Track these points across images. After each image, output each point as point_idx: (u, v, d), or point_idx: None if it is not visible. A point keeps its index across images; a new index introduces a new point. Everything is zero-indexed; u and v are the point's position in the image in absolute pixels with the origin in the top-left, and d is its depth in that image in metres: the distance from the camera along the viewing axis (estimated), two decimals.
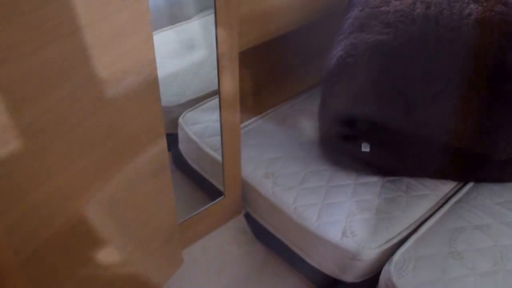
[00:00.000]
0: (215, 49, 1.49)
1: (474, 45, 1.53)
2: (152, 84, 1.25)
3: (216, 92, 1.60)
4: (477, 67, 1.52)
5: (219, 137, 1.72)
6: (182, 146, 2.10)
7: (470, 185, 1.78)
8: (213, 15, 1.41)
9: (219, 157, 1.84)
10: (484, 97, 1.53)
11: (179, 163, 2.13)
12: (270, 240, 1.84)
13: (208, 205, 1.84)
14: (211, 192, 1.96)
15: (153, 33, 1.19)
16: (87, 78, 1.05)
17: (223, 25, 1.43)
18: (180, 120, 2.07)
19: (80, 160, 1.12)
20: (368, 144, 1.68)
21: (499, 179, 1.77)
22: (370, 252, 1.54)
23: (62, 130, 1.04)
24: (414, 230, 1.62)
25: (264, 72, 2.16)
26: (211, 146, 1.93)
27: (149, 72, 1.22)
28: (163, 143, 1.38)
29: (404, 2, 1.62)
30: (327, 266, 1.66)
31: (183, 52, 2.49)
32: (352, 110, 1.66)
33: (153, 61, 1.21)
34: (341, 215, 1.64)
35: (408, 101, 1.55)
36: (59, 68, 0.97)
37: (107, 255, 1.33)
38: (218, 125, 1.69)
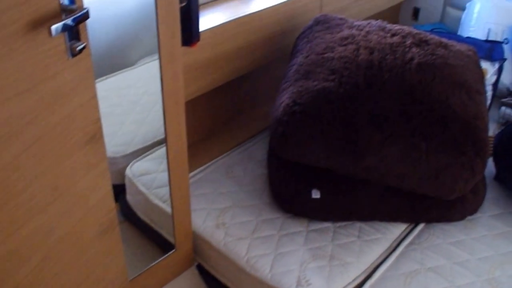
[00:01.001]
0: (161, 96, 1.46)
1: (418, 89, 1.56)
2: (97, 143, 1.21)
3: (164, 141, 1.56)
4: (422, 111, 1.55)
5: (168, 188, 1.68)
6: (130, 198, 2.03)
7: (421, 226, 1.79)
8: (157, 61, 1.39)
9: (168, 209, 1.78)
10: (430, 140, 1.55)
11: (128, 214, 2.06)
12: None
13: (159, 259, 1.78)
14: (162, 244, 1.90)
15: (96, 81, 1.16)
16: (32, 141, 1.01)
17: (168, 74, 1.41)
18: (128, 171, 2.01)
19: (27, 224, 1.07)
20: (319, 191, 1.67)
21: (449, 218, 1.79)
22: None
23: (5, 198, 0.99)
24: (369, 276, 1.60)
25: (212, 119, 2.15)
26: (160, 197, 1.88)
27: (95, 131, 1.18)
28: (111, 202, 1.33)
29: (348, 48, 1.65)
30: None
31: (128, 100, 2.44)
32: (301, 158, 1.65)
33: (98, 120, 1.18)
34: (295, 264, 1.61)
35: (356, 147, 1.55)
36: (2, 133, 0.93)
37: None
38: (166, 175, 1.64)
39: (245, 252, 1.66)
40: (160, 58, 1.36)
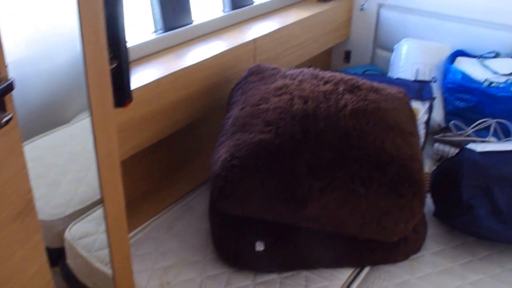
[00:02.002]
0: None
1: (353, 135, 1.58)
2: (29, 215, 1.15)
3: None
4: (359, 157, 1.57)
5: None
6: (70, 261, 1.95)
7: (366, 269, 1.79)
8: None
9: (110, 272, 1.72)
10: (369, 185, 1.57)
11: (69, 278, 1.97)
12: None
13: None
14: None
15: (27, 142, 1.11)
16: None
17: (101, 137, 1.38)
18: (66, 233, 1.93)
19: None
20: (262, 242, 1.65)
21: (394, 260, 1.80)
22: None
23: None
24: None
25: (152, 174, 2.11)
26: (102, 260, 1.81)
27: (25, 203, 1.13)
28: (46, 274, 1.27)
29: (282, 99, 1.66)
30: None
31: (65, 158, 2.38)
32: (242, 211, 1.63)
33: (29, 190, 1.13)
34: None
35: (297, 197, 1.55)
36: None
37: None
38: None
39: None
40: (92, 121, 1.33)
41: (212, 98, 2.14)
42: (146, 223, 1.97)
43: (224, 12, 2.52)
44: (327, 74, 1.84)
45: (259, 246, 1.66)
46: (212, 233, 1.82)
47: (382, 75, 3.00)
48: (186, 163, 2.25)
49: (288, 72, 1.89)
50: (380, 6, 3.18)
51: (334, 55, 3.44)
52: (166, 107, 1.90)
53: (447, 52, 2.85)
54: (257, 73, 1.90)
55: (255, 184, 1.55)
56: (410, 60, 2.80)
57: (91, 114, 1.32)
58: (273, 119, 1.60)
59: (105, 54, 1.27)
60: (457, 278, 1.78)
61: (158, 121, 1.89)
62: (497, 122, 2.51)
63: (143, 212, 2.01)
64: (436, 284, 1.74)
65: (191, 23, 2.29)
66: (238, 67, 2.21)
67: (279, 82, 1.77)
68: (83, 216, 2.02)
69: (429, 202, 2.04)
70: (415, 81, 2.52)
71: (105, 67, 1.29)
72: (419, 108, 2.26)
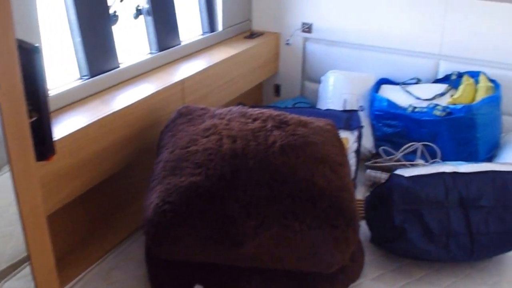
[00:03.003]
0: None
1: (283, 171, 1.60)
2: None
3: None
4: (290, 192, 1.59)
5: None
6: None
7: None
8: None
9: None
10: (302, 220, 1.58)
11: None
12: None
13: None
14: None
15: None
16: None
17: (24, 193, 1.33)
18: None
19: None
20: (202, 286, 1.63)
21: None
22: None
23: None
24: None
25: (84, 223, 2.05)
26: None
27: None
28: None
29: (211, 139, 1.67)
30: None
31: None
32: (178, 255, 1.61)
33: None
34: None
35: (231, 238, 1.54)
36: None
37: None
38: None
39: None
40: (12, 177, 1.29)
41: (143, 142, 2.12)
42: (82, 274, 1.90)
43: (151, 53, 2.52)
44: (256, 111, 1.86)
45: None
46: (150, 280, 1.78)
47: (311, 107, 3.06)
48: (120, 208, 2.20)
49: (217, 112, 1.90)
50: (305, 40, 3.27)
51: (265, 90, 3.49)
52: (95, 155, 1.87)
53: (372, 81, 2.95)
54: (186, 115, 1.90)
55: (189, 228, 1.54)
56: (337, 91, 2.88)
57: (11, 169, 1.28)
58: (202, 160, 1.60)
59: (23, 106, 1.24)
60: None
61: (87, 170, 1.85)
62: (423, 145, 2.61)
63: (78, 262, 1.94)
64: None
65: (117, 66, 2.27)
66: (167, 109, 2.20)
67: (208, 123, 1.78)
68: (14, 272, 1.94)
69: (365, 228, 2.08)
70: (344, 111, 2.58)
71: (24, 120, 1.25)
72: (349, 137, 2.32)
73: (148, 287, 1.82)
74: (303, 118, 1.86)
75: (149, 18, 2.50)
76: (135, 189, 2.18)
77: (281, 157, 1.62)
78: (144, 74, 2.38)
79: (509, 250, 1.97)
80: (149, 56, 2.48)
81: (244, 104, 2.12)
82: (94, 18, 2.13)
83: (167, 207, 1.53)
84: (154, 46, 2.53)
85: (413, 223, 1.83)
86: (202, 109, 1.95)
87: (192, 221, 1.54)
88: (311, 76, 3.32)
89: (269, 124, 1.75)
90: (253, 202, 1.55)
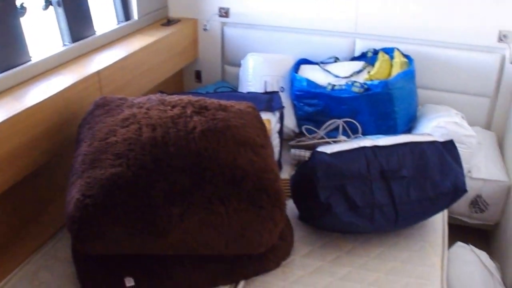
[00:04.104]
0: None
1: (205, 157, 1.59)
2: None
3: None
4: (213, 177, 1.58)
5: None
6: None
7: (241, 283, 1.80)
8: None
9: None
10: (228, 203, 1.58)
11: None
12: None
13: None
14: None
15: None
16: None
17: None
18: None
19: None
20: (131, 278, 1.61)
21: (266, 269, 1.83)
22: None
23: None
24: None
25: (6, 226, 1.97)
26: None
27: None
28: None
29: (130, 129, 1.64)
30: None
31: None
32: (104, 250, 1.57)
33: None
34: None
35: (157, 227, 1.53)
36: None
37: None
38: None
39: None
40: None
41: (62, 136, 2.05)
42: (8, 278, 1.83)
43: (65, 45, 2.43)
44: (175, 98, 1.84)
45: (129, 282, 1.61)
46: (78, 277, 1.74)
47: (233, 91, 3.06)
48: (43, 208, 2.13)
49: (136, 101, 1.86)
50: (223, 24, 3.26)
51: (186, 76, 3.46)
52: (9, 154, 1.79)
53: (291, 62, 2.98)
54: (103, 106, 1.85)
55: (112, 221, 1.51)
56: (257, 74, 2.89)
57: None
58: (122, 151, 1.56)
59: None
60: (328, 275, 1.86)
61: (2, 169, 1.77)
62: (344, 122, 2.67)
63: (3, 265, 1.87)
64: (309, 285, 1.81)
65: (28, 60, 2.18)
66: (84, 101, 2.14)
67: (126, 113, 1.74)
68: None
69: (293, 207, 2.11)
70: (264, 93, 2.60)
71: None
72: (271, 118, 2.34)
73: (78, 285, 1.77)
74: (223, 102, 1.86)
75: (60, 9, 2.40)
76: (59, 186, 2.11)
77: (202, 142, 1.62)
78: (58, 67, 2.30)
79: (430, 216, 2.07)
80: (63, 48, 2.40)
81: (163, 92, 2.09)
82: (0, 10, 2.03)
83: (89, 201, 1.49)
84: (67, 38, 2.45)
85: (338, 198, 1.87)
86: (120, 99, 1.90)
87: (116, 214, 1.51)
88: (231, 60, 3.33)
89: (189, 110, 1.74)
90: (177, 189, 1.54)
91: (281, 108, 2.43)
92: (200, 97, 1.87)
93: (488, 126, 3.08)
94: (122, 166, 1.53)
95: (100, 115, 1.79)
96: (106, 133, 1.64)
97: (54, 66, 2.29)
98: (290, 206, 2.09)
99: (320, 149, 1.98)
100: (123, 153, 1.56)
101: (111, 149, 1.58)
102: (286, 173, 2.44)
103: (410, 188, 1.94)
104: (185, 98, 1.83)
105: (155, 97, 1.86)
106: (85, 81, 2.19)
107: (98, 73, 2.27)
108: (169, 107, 1.75)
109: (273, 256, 1.83)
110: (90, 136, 1.68)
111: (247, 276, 1.81)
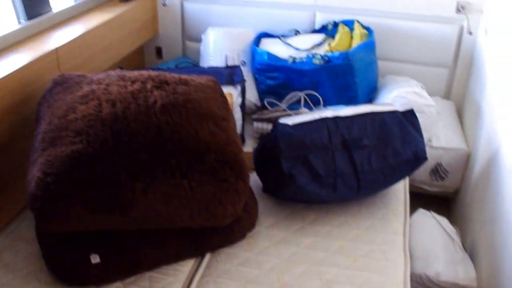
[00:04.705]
0: None
1: (166, 131, 1.59)
2: None
3: None
4: (176, 151, 1.58)
5: None
6: None
7: (208, 256, 1.82)
8: None
9: None
10: (191, 177, 1.59)
11: None
12: None
13: None
14: None
15: None
16: None
17: None
18: None
19: None
20: (97, 255, 1.60)
21: (231, 241, 1.86)
22: None
23: None
24: None
25: None
26: None
27: None
28: None
29: (89, 106, 1.62)
30: None
31: None
32: (68, 227, 1.57)
33: None
34: None
35: (120, 203, 1.52)
36: None
37: None
38: None
39: None
40: None
41: (21, 116, 2.02)
42: None
43: (20, 23, 2.37)
44: (134, 73, 1.82)
45: (95, 259, 1.61)
46: (43, 256, 1.72)
47: (194, 66, 3.05)
48: (4, 188, 2.09)
49: (95, 78, 1.84)
50: None
51: (146, 53, 3.43)
52: None
53: (252, 35, 2.98)
54: (62, 83, 1.82)
55: (75, 198, 1.50)
56: (218, 48, 2.88)
57: None
58: (82, 128, 1.55)
59: None
60: (293, 245, 1.89)
61: None
62: (306, 94, 2.69)
63: None
64: (275, 255, 1.84)
65: None
66: (42, 80, 2.10)
67: (85, 89, 1.72)
68: None
69: (257, 179, 2.13)
70: (226, 67, 2.60)
71: None
72: (232, 92, 2.34)
73: (43, 265, 1.76)
74: (183, 76, 1.85)
75: None
76: (21, 166, 2.08)
77: (163, 116, 1.61)
78: (14, 46, 2.25)
79: (392, 184, 2.11)
80: (18, 26, 2.34)
81: (123, 68, 2.07)
82: None
83: (50, 179, 1.47)
84: (22, 15, 2.38)
85: (301, 168, 1.89)
86: (79, 76, 1.87)
87: (78, 191, 1.50)
88: (191, 35, 3.30)
89: (149, 85, 1.72)
90: (139, 164, 1.54)
91: (242, 81, 2.43)
92: (160, 72, 1.86)
93: (447, 96, 3.15)
94: (82, 143, 1.52)
95: (58, 93, 1.76)
96: (66, 110, 1.62)
97: (10, 45, 2.24)
98: (254, 179, 2.11)
99: (282, 121, 2.00)
100: (83, 130, 1.54)
101: (71, 126, 1.56)
102: (249, 147, 2.46)
103: (372, 157, 1.98)
104: (145, 73, 1.81)
105: (114, 73, 1.84)
106: (43, 59, 2.15)
107: (56, 50, 2.23)
108: (129, 83, 1.73)
109: (238, 228, 1.85)
110: (50, 114, 1.65)
111: (213, 249, 1.83)
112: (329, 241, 1.91)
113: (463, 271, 2.14)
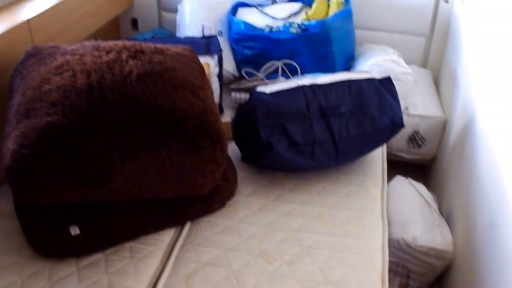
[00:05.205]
0: None
1: (143, 100, 1.58)
2: None
3: None
4: (153, 120, 1.57)
5: None
6: None
7: (188, 225, 1.83)
8: None
9: None
10: (168, 146, 1.58)
11: None
12: None
13: None
14: None
15: None
16: None
17: None
18: None
19: None
20: (76, 226, 1.60)
21: (211, 210, 1.87)
22: None
23: None
24: None
25: None
26: None
27: None
28: None
29: (64, 76, 1.60)
30: None
31: None
32: (46, 200, 1.55)
33: None
34: None
35: (99, 174, 1.51)
36: None
37: None
38: None
39: None
40: None
41: None
42: None
43: None
44: (109, 43, 1.80)
45: (74, 230, 1.61)
46: (23, 230, 1.71)
47: (171, 37, 3.02)
48: None
49: (69, 48, 1.81)
50: None
51: (122, 24, 3.37)
52: None
53: (228, 5, 2.95)
54: (35, 55, 1.79)
55: (52, 171, 1.48)
56: (194, 18, 2.85)
57: None
58: (57, 99, 1.53)
59: None
60: (272, 212, 1.91)
61: None
62: (284, 63, 2.69)
63: None
64: (254, 223, 1.85)
65: None
66: (14, 52, 2.05)
67: (59, 60, 1.69)
68: None
69: (236, 148, 2.14)
70: (202, 37, 2.57)
71: None
72: (209, 62, 2.33)
73: (23, 239, 1.75)
74: (159, 46, 1.83)
75: None
76: None
77: (139, 86, 1.60)
78: None
79: (370, 151, 2.13)
80: None
81: (97, 39, 2.04)
82: None
83: (25, 151, 1.46)
84: None
85: (279, 136, 1.90)
86: (52, 47, 1.84)
87: (54, 163, 1.48)
88: (167, 6, 3.26)
89: (124, 55, 1.70)
90: (116, 134, 1.52)
91: (219, 51, 2.42)
92: (135, 42, 1.84)
93: (424, 64, 3.17)
94: (57, 114, 1.50)
95: (32, 65, 1.73)
96: (40, 81, 1.60)
97: None
98: (233, 148, 2.12)
99: (259, 89, 2.00)
100: (58, 101, 1.52)
101: (45, 98, 1.54)
102: (227, 117, 2.46)
103: (349, 124, 1.99)
104: (120, 43, 1.79)
105: (89, 43, 1.81)
106: (14, 30, 2.10)
107: (28, 22, 2.18)
108: (104, 53, 1.71)
109: (217, 197, 1.86)
110: (23, 86, 1.63)
111: (192, 218, 1.84)
112: (308, 208, 1.94)
113: (440, 235, 2.19)
